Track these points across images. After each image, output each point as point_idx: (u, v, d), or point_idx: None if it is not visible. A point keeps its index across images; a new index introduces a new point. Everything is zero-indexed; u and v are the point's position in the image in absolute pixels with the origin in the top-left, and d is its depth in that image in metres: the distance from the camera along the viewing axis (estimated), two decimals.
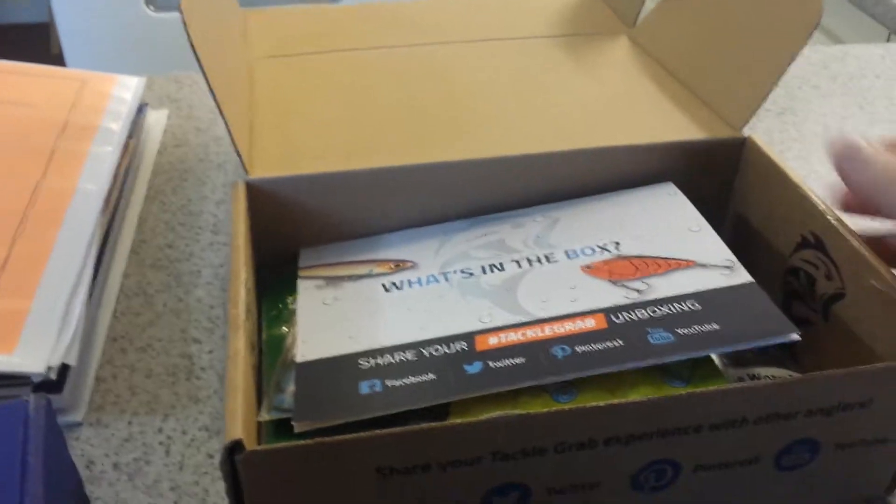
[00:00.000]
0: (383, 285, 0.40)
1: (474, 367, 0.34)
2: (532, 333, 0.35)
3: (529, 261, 0.40)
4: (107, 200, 0.51)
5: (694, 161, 0.45)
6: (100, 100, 0.59)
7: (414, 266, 0.41)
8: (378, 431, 0.28)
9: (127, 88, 0.61)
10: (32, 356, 0.39)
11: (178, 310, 0.47)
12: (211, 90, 0.36)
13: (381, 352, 0.35)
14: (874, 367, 0.31)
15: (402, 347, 0.35)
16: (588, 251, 0.40)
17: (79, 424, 0.40)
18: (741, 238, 0.45)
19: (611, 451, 0.31)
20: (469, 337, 0.36)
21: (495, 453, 0.29)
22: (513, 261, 0.40)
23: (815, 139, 0.62)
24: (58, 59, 1.02)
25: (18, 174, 0.50)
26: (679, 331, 0.34)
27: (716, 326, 0.34)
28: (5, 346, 0.40)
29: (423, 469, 0.29)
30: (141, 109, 0.60)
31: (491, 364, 0.34)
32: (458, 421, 0.29)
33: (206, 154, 0.60)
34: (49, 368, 0.39)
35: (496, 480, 0.30)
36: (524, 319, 0.36)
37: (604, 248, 0.40)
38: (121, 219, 0.53)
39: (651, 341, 0.34)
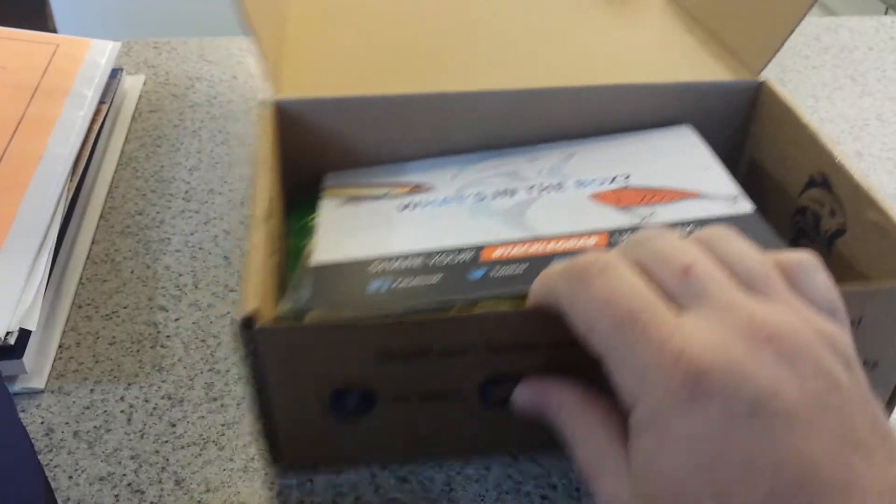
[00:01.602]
0: (400, 204, 0.42)
1: (477, 274, 0.35)
2: (535, 248, 0.36)
3: (541, 188, 0.41)
4: (75, 165, 0.49)
5: (711, 104, 0.45)
6: (72, 64, 0.57)
7: (430, 189, 0.43)
8: (380, 316, 0.32)
9: (101, 53, 0.59)
10: None
11: (146, 277, 0.45)
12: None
13: (391, 258, 0.37)
14: (864, 286, 0.32)
15: (412, 255, 0.37)
16: (598, 181, 0.41)
17: (40, 392, 0.39)
18: (755, 182, 0.45)
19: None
20: (476, 249, 0.37)
21: (488, 344, 0.31)
22: (524, 188, 0.42)
23: (805, 111, 0.61)
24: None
25: None
26: None
27: None
28: None
29: (423, 354, 0.31)
30: (114, 74, 0.59)
31: (493, 271, 0.35)
32: (453, 314, 0.32)
33: (182, 120, 0.58)
34: (7, 333, 0.38)
35: (490, 370, 0.32)
36: (530, 236, 0.37)
37: (613, 180, 0.41)
38: (91, 184, 0.52)
39: None
